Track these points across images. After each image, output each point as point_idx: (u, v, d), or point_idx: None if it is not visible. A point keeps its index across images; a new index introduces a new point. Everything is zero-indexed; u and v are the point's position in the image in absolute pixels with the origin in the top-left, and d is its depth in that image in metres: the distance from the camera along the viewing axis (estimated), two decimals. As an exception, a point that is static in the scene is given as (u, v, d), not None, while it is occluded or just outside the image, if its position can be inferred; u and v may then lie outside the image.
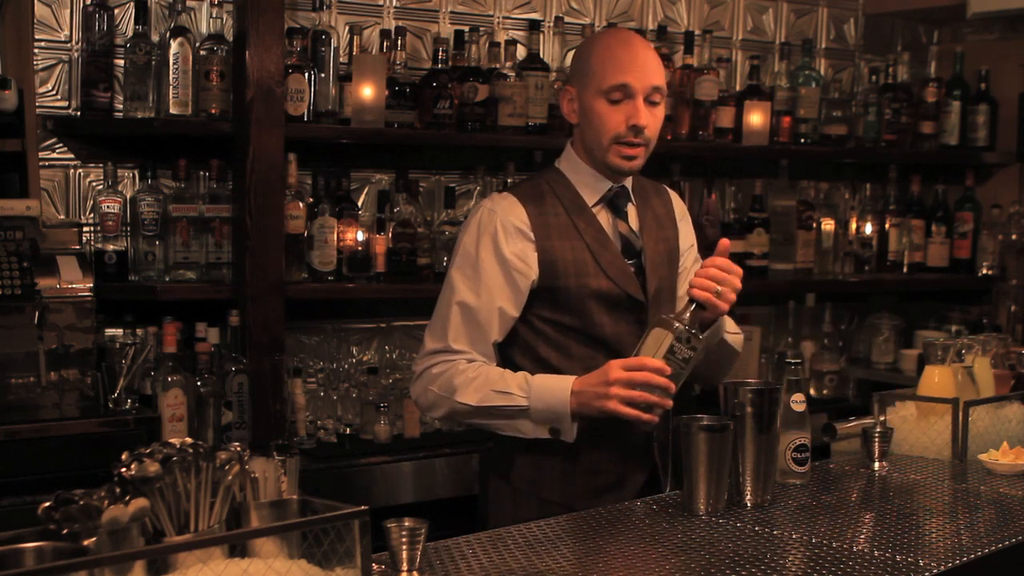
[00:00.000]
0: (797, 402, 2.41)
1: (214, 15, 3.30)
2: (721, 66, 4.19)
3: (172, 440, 1.60)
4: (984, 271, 4.70)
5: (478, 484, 3.39)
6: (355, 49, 3.56)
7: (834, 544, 2.03)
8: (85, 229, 3.28)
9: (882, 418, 2.74)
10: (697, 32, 4.23)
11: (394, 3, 3.78)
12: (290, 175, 3.35)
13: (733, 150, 4.20)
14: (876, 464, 2.60)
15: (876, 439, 2.60)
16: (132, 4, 3.28)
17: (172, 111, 3.23)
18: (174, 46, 3.22)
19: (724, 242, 2.48)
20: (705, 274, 2.39)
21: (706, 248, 4.10)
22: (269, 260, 3.25)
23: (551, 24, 4.03)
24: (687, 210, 2.77)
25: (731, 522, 2.16)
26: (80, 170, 3.32)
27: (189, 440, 1.59)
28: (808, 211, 4.35)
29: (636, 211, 2.60)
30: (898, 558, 1.94)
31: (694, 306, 2.34)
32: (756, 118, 4.20)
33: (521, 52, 3.85)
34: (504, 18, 3.98)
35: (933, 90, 4.66)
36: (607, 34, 2.56)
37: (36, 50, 3.21)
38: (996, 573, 2.03)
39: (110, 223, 3.25)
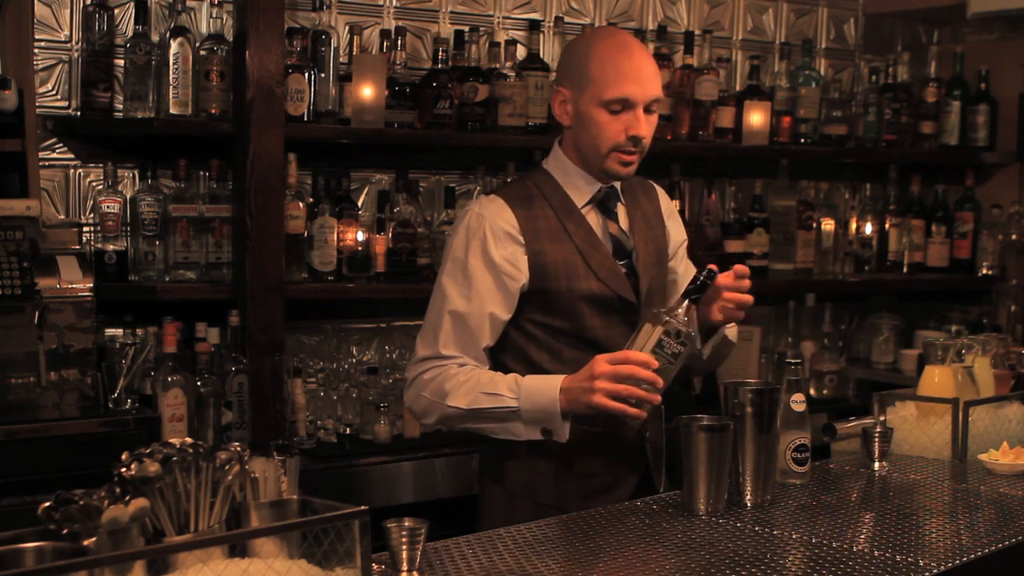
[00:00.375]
0: (797, 402, 2.41)
1: (214, 15, 3.30)
2: (721, 66, 4.19)
3: (172, 440, 1.60)
4: (984, 271, 4.70)
5: (478, 484, 3.39)
6: (355, 49, 3.56)
7: (834, 544, 2.03)
8: (85, 229, 3.28)
9: (882, 418, 2.74)
10: (697, 32, 4.23)
11: (394, 3, 3.78)
12: (290, 175, 3.35)
13: (733, 150, 4.20)
14: (876, 464, 2.60)
15: (876, 439, 2.60)
16: (132, 4, 3.28)
17: (172, 111, 3.23)
18: (174, 46, 3.22)
19: (739, 268, 2.47)
20: (737, 293, 2.41)
21: (706, 248, 4.16)
22: (269, 260, 3.25)
23: (551, 24, 4.03)
24: (674, 206, 2.75)
25: (731, 522, 2.16)
26: (80, 170, 3.32)
27: (189, 440, 1.59)
28: (808, 211, 4.35)
29: (625, 211, 2.59)
30: (898, 558, 1.94)
31: (687, 302, 2.31)
32: (756, 118, 4.20)
33: (521, 52, 3.85)
34: (504, 18, 3.98)
35: (933, 90, 4.66)
36: (605, 38, 2.51)
37: (36, 50, 3.21)
38: (996, 573, 2.03)
39: (110, 223, 3.25)
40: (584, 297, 2.46)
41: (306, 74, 3.39)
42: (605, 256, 2.50)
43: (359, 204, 3.65)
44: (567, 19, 4.02)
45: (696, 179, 4.23)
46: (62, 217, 3.28)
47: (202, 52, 3.25)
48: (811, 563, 1.92)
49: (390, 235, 3.54)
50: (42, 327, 2.96)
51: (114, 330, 3.28)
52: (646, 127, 2.45)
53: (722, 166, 4.31)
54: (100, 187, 3.32)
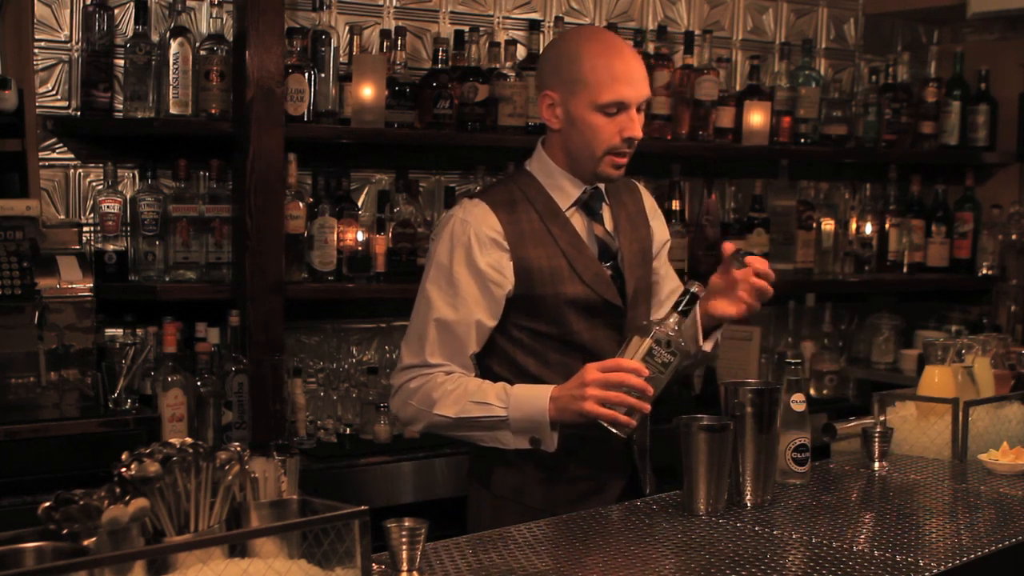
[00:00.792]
0: (797, 402, 2.41)
1: (214, 15, 3.30)
2: (721, 66, 4.19)
3: (172, 440, 1.60)
4: (984, 271, 4.70)
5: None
6: (355, 49, 3.56)
7: (834, 544, 2.03)
8: (85, 229, 3.28)
9: (882, 418, 2.74)
10: (697, 32, 4.23)
11: (394, 3, 3.78)
12: (290, 175, 3.35)
13: (733, 150, 4.20)
14: (876, 464, 2.60)
15: (876, 439, 2.60)
16: (132, 4, 3.28)
17: (172, 111, 3.23)
18: (174, 46, 3.22)
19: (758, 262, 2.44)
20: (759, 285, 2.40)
21: (706, 248, 4.15)
22: (269, 260, 3.25)
23: (551, 24, 4.03)
24: (656, 204, 2.72)
25: (731, 522, 2.16)
26: (80, 170, 3.32)
27: (189, 440, 1.59)
28: (808, 211, 4.35)
29: (610, 211, 2.56)
30: (898, 558, 1.94)
31: (676, 316, 2.30)
32: (756, 118, 4.20)
33: (521, 52, 3.85)
34: (504, 18, 3.98)
35: (933, 90, 4.67)
36: (593, 40, 2.46)
37: (36, 50, 3.21)
38: (996, 573, 2.03)
39: (110, 223, 3.25)
40: (570, 302, 2.43)
41: (306, 74, 3.39)
42: (590, 259, 2.48)
43: (359, 204, 3.65)
44: (567, 19, 4.02)
45: (696, 179, 4.24)
46: (62, 217, 3.28)
47: (202, 52, 3.25)
48: (811, 563, 1.92)
49: (390, 235, 3.54)
50: (42, 327, 2.96)
51: (114, 330, 3.28)
52: (640, 129, 2.44)
53: (722, 166, 4.31)
54: (100, 187, 3.32)
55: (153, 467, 1.52)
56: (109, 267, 3.23)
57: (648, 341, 2.26)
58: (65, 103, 3.27)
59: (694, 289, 2.31)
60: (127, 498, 1.49)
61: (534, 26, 3.86)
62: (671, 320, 2.30)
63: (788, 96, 4.33)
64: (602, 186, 2.54)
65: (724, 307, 2.44)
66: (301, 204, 3.39)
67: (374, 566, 1.78)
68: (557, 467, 2.46)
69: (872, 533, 2.12)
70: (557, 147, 2.49)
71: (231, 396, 3.20)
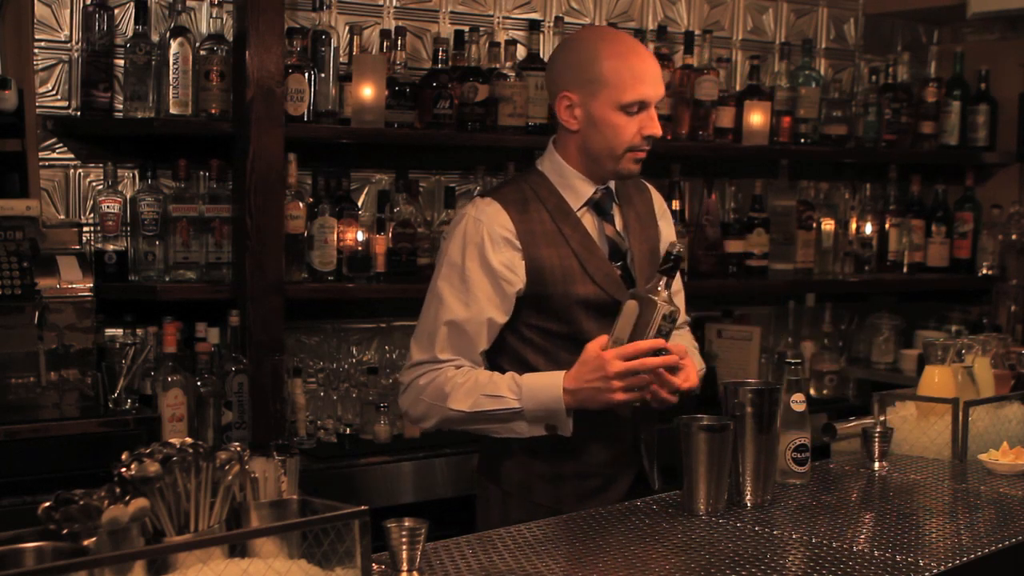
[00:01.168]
0: (797, 402, 2.41)
1: (214, 15, 3.30)
2: (721, 66, 4.19)
3: (172, 440, 1.60)
4: (984, 271, 4.70)
5: (476, 484, 3.39)
6: (355, 49, 3.56)
7: (834, 544, 2.03)
8: (85, 229, 3.28)
9: (882, 418, 2.74)
10: (697, 32, 4.23)
11: (394, 3, 3.78)
12: (290, 175, 3.35)
13: (733, 150, 4.20)
14: (876, 464, 2.60)
15: (876, 439, 2.60)
16: (132, 4, 3.28)
17: (172, 111, 3.23)
18: (174, 46, 3.22)
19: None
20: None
21: (706, 248, 4.16)
22: (269, 260, 3.25)
23: (551, 24, 4.03)
24: (665, 205, 2.75)
25: (731, 522, 2.16)
26: (80, 170, 3.32)
27: (189, 440, 1.59)
28: (808, 211, 4.35)
29: (620, 211, 2.58)
30: (898, 558, 1.94)
31: (664, 279, 2.33)
32: (756, 118, 4.20)
33: (521, 52, 3.85)
34: (504, 18, 3.98)
35: (933, 90, 4.66)
36: (610, 41, 2.48)
37: (36, 50, 3.21)
38: (996, 573, 2.03)
39: (110, 223, 3.25)
40: (580, 301, 2.46)
41: (306, 74, 3.39)
42: (601, 260, 2.50)
43: (359, 204, 3.65)
44: (567, 19, 4.02)
45: (696, 179, 4.23)
46: (62, 217, 3.28)
47: (202, 52, 3.25)
48: (811, 563, 1.92)
49: (390, 235, 3.54)
50: (42, 327, 2.96)
51: (114, 330, 3.28)
52: (659, 126, 2.48)
53: (722, 166, 4.31)
54: (100, 187, 3.32)
55: (153, 467, 1.52)
56: (109, 267, 3.23)
57: (659, 317, 2.30)
58: (65, 103, 3.27)
59: (675, 251, 2.34)
60: (127, 498, 1.49)
61: (534, 26, 3.86)
62: (664, 290, 2.33)
63: (788, 96, 4.33)
64: (613, 186, 2.57)
65: None
66: (301, 204, 3.39)
67: (374, 566, 1.78)
68: (564, 464, 2.49)
69: (872, 533, 2.12)
70: (572, 147, 2.51)
71: (231, 396, 3.20)
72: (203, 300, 3.26)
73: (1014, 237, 4.64)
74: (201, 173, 3.34)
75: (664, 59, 4.04)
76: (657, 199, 2.71)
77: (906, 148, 4.62)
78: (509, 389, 2.37)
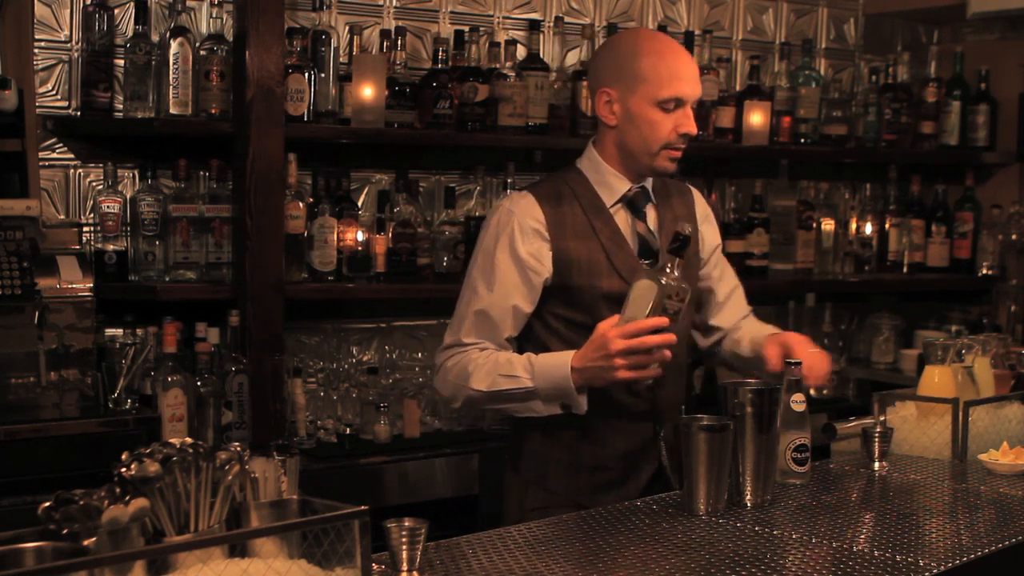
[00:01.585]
0: (797, 402, 2.41)
1: (214, 15, 3.30)
2: (721, 66, 4.19)
3: (172, 440, 1.60)
4: (984, 271, 4.70)
5: (478, 484, 3.39)
6: (355, 49, 3.56)
7: (834, 544, 2.03)
8: (85, 229, 3.28)
9: (882, 418, 2.74)
10: (697, 32, 4.23)
11: (394, 3, 3.78)
12: (290, 175, 3.35)
13: (733, 150, 4.20)
14: (876, 464, 2.60)
15: (876, 439, 2.60)
16: (132, 4, 3.28)
17: (172, 111, 3.23)
18: (174, 46, 3.22)
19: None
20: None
21: (706, 248, 4.14)
22: (269, 260, 3.25)
23: (551, 24, 4.03)
24: (712, 210, 2.80)
25: (731, 522, 2.16)
26: (80, 170, 3.32)
27: (189, 440, 1.59)
28: (808, 211, 4.35)
29: (656, 211, 2.63)
30: (898, 558, 1.94)
31: (676, 259, 2.36)
32: (756, 118, 4.20)
33: (521, 52, 3.85)
34: (504, 18, 3.98)
35: (933, 90, 4.66)
36: (651, 39, 2.58)
37: (36, 50, 3.21)
38: (996, 573, 2.03)
39: (110, 223, 3.25)
40: (605, 295, 2.51)
41: (306, 74, 3.39)
42: (629, 255, 2.55)
43: (359, 204, 3.65)
44: (567, 19, 4.02)
45: (696, 179, 4.22)
46: (62, 217, 3.28)
47: (202, 52, 3.25)
48: (811, 563, 1.92)
49: (390, 235, 3.54)
50: (42, 327, 2.96)
51: (114, 330, 3.28)
52: (695, 125, 2.53)
53: (722, 166, 4.31)
54: (100, 187, 3.32)
55: (153, 467, 1.52)
56: (109, 267, 3.23)
57: (658, 295, 2.32)
58: (65, 103, 3.27)
59: (687, 231, 2.37)
60: (127, 498, 1.49)
61: (534, 26, 3.86)
62: (672, 268, 2.36)
63: (788, 96, 4.33)
64: (649, 185, 2.62)
65: (772, 361, 2.55)
66: (301, 204, 3.39)
67: (374, 566, 1.78)
68: (582, 454, 2.55)
69: (872, 533, 2.12)
70: (610, 144, 2.57)
71: (231, 396, 3.20)
72: (203, 300, 3.26)
73: (1014, 237, 4.64)
74: (201, 173, 3.34)
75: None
76: (700, 203, 2.76)
77: (906, 148, 4.62)
78: (524, 369, 2.44)
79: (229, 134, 3.25)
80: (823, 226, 4.44)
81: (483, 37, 3.80)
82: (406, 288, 3.54)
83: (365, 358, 3.71)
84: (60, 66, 3.26)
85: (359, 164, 3.70)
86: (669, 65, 2.49)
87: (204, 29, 3.34)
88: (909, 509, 2.28)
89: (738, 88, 4.34)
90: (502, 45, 3.76)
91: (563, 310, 2.53)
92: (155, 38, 3.29)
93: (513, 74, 3.68)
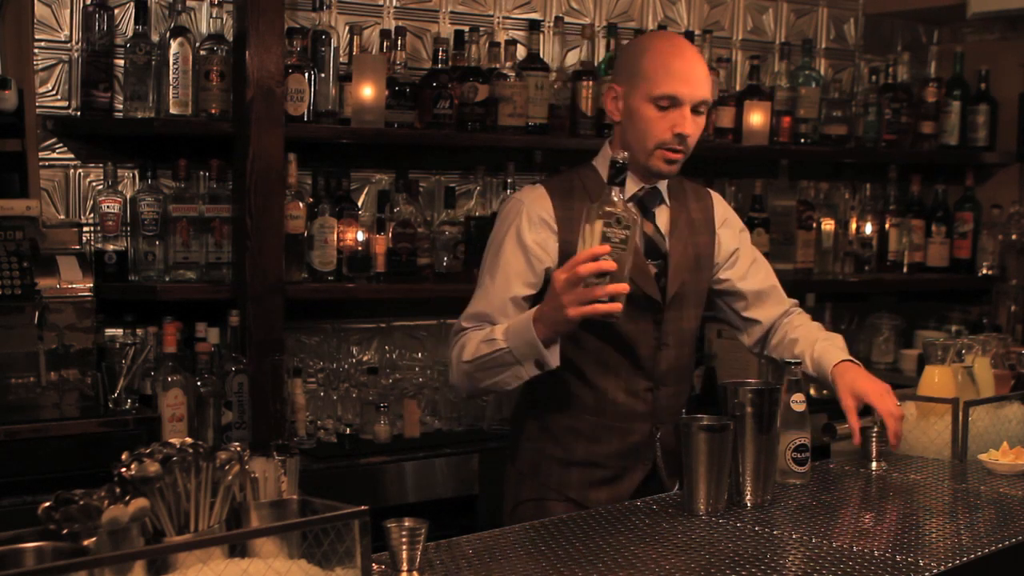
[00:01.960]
0: (797, 402, 2.41)
1: (214, 15, 3.30)
2: (721, 66, 4.19)
3: (172, 440, 1.60)
4: (984, 271, 4.70)
5: (478, 484, 3.39)
6: (355, 49, 3.56)
7: (834, 544, 2.03)
8: (85, 229, 3.28)
9: (879, 419, 2.74)
10: (697, 32, 4.23)
11: (394, 3, 3.78)
12: (290, 175, 3.35)
13: (733, 150, 4.20)
14: (873, 464, 2.60)
15: (873, 439, 2.60)
16: (132, 4, 3.28)
17: (172, 111, 3.23)
18: (174, 46, 3.22)
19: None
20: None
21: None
22: (269, 260, 3.25)
23: (551, 24, 4.03)
24: (733, 214, 2.80)
25: (731, 522, 2.16)
26: (80, 170, 3.32)
27: (189, 440, 1.59)
28: (808, 211, 4.35)
29: (669, 213, 2.62)
30: (898, 558, 1.94)
31: (613, 188, 2.24)
32: (756, 118, 4.20)
33: (521, 52, 3.85)
34: (504, 18, 3.98)
35: (933, 90, 4.67)
36: (661, 39, 2.62)
37: (36, 50, 3.21)
38: (996, 573, 2.03)
39: (110, 223, 3.25)
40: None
41: (306, 74, 3.39)
42: (635, 253, 2.51)
43: (359, 204, 3.65)
44: (567, 19, 4.02)
45: (696, 179, 4.21)
46: (62, 217, 3.28)
47: (202, 52, 3.25)
48: (811, 563, 1.92)
49: (390, 235, 3.54)
50: (42, 327, 2.96)
51: (114, 330, 3.28)
52: (692, 126, 2.51)
53: (722, 166, 4.31)
54: (100, 187, 3.32)
55: (153, 467, 1.52)
56: (109, 267, 3.23)
57: (599, 225, 2.22)
58: (65, 103, 3.27)
59: (619, 158, 2.27)
60: (127, 498, 1.49)
61: (534, 26, 3.86)
62: (611, 196, 2.24)
63: (788, 96, 4.33)
64: (663, 187, 2.62)
65: (845, 398, 2.57)
66: (301, 204, 3.39)
67: (374, 566, 1.78)
68: (576, 449, 2.55)
69: (872, 533, 2.12)
70: (619, 141, 2.58)
71: (231, 396, 3.20)
72: (203, 300, 3.26)
73: (1014, 237, 4.64)
74: (201, 173, 3.34)
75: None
76: (720, 207, 2.76)
77: (906, 148, 4.62)
78: (500, 333, 2.40)
79: (229, 134, 3.25)
80: (823, 226, 4.44)
81: (483, 37, 3.80)
82: (406, 288, 3.53)
83: (365, 358, 3.71)
84: (60, 66, 3.26)
85: (359, 164, 3.70)
86: (668, 63, 2.50)
87: (204, 29, 3.34)
88: (909, 509, 2.28)
89: (738, 88, 4.34)
90: (502, 45, 3.76)
91: None
92: (155, 38, 3.29)
93: (513, 74, 3.68)
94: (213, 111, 3.25)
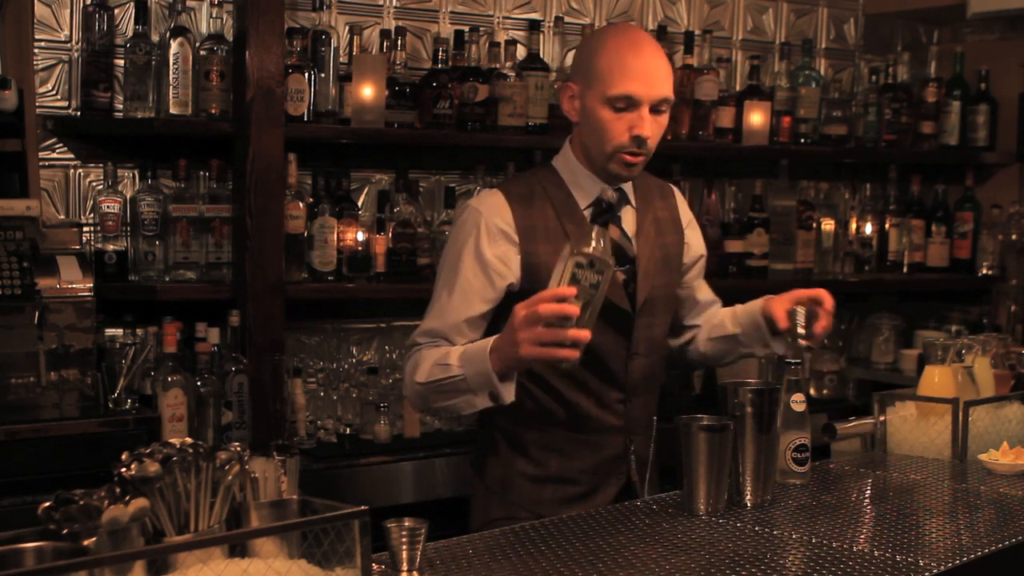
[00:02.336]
0: (797, 402, 2.41)
1: (214, 15, 3.30)
2: (721, 66, 4.19)
3: (172, 440, 1.60)
4: (984, 271, 4.70)
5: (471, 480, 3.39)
6: (355, 49, 3.56)
7: (834, 544, 2.03)
8: (85, 229, 3.28)
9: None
10: (697, 32, 4.23)
11: (394, 3, 3.78)
12: (290, 175, 3.35)
13: (733, 150, 4.20)
14: (801, 341, 2.45)
15: (799, 318, 2.46)
16: (132, 4, 3.28)
17: (172, 111, 3.23)
18: (174, 46, 3.22)
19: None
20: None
21: (707, 248, 4.12)
22: (269, 260, 3.25)
23: (551, 24, 4.03)
24: (693, 214, 2.71)
25: (731, 522, 2.16)
26: (80, 170, 3.32)
27: (189, 440, 1.59)
28: (808, 211, 4.35)
29: (635, 215, 2.52)
30: (898, 558, 1.94)
31: (596, 227, 2.13)
32: (756, 118, 4.20)
33: (521, 52, 3.85)
34: (504, 18, 3.98)
35: (933, 90, 4.67)
36: (617, 34, 2.42)
37: (36, 50, 3.21)
38: (996, 573, 2.03)
39: (110, 223, 3.25)
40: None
41: (306, 74, 3.39)
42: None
43: (359, 204, 3.65)
44: (567, 19, 4.02)
45: (696, 179, 4.23)
46: (62, 217, 3.28)
47: (202, 52, 3.25)
48: (811, 563, 1.92)
49: (390, 235, 3.54)
50: (42, 327, 2.95)
51: (114, 330, 3.28)
52: (651, 128, 2.37)
53: (722, 166, 4.31)
54: (100, 187, 3.32)
55: (153, 467, 1.52)
56: (109, 267, 3.23)
57: (570, 265, 2.09)
58: (65, 103, 3.27)
59: (606, 196, 2.20)
60: (127, 498, 1.49)
61: (534, 26, 3.86)
62: (591, 236, 2.12)
63: (788, 96, 4.33)
64: (628, 187, 2.51)
65: (780, 318, 2.47)
66: (301, 204, 3.39)
67: (374, 566, 1.78)
68: (545, 465, 2.45)
69: (872, 533, 2.12)
70: (577, 143, 2.48)
71: (231, 396, 3.20)
72: (203, 300, 3.26)
73: (1014, 237, 4.64)
74: (201, 173, 3.34)
75: (664, 59, 4.04)
76: (683, 207, 2.67)
77: (906, 148, 4.62)
78: (457, 358, 2.29)
79: (229, 134, 3.25)
80: (823, 226, 4.44)
81: (483, 37, 3.80)
82: (406, 288, 3.53)
83: (365, 358, 3.71)
84: (60, 66, 3.26)
85: (359, 164, 3.70)
86: (624, 62, 2.34)
87: (204, 29, 3.35)
88: (909, 509, 2.28)
89: (738, 88, 4.34)
90: (502, 45, 3.76)
91: None
92: (155, 38, 3.29)
93: (513, 74, 3.68)
94: (213, 111, 3.26)
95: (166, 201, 3.29)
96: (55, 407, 2.96)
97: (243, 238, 3.24)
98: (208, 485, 1.58)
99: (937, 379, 2.76)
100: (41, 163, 3.23)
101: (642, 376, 2.51)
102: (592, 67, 2.39)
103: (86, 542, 1.46)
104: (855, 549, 2.00)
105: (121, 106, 3.29)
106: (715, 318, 2.70)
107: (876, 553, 1.97)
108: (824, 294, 2.45)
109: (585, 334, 2.08)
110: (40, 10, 3.22)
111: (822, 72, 4.60)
